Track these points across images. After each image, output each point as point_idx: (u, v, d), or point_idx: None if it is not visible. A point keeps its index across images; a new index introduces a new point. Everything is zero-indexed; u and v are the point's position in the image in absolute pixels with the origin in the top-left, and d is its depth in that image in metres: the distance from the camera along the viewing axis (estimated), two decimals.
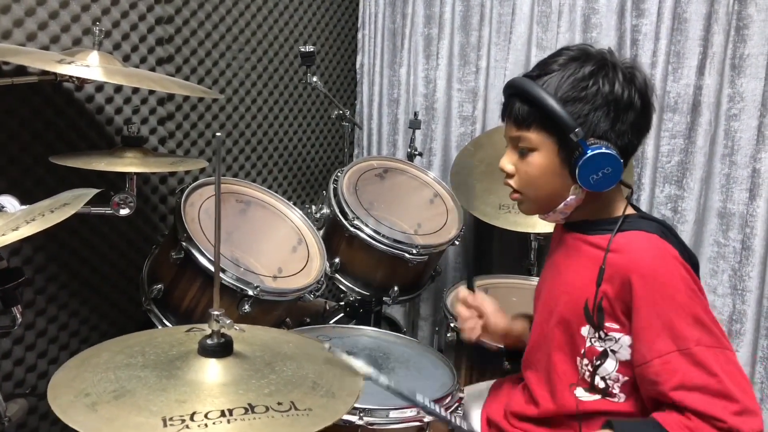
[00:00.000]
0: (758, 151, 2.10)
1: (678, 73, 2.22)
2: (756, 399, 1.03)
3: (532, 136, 1.16)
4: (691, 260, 1.14)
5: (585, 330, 1.16)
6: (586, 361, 1.17)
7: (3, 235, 1.01)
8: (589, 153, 1.10)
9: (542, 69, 1.16)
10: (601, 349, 1.15)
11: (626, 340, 1.12)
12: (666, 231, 1.14)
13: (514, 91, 1.18)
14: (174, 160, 1.70)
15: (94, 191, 1.22)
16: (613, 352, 1.14)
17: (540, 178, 1.18)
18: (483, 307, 1.42)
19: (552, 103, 1.11)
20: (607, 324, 1.13)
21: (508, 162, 1.22)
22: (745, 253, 2.12)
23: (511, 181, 1.23)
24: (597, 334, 1.15)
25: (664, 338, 1.05)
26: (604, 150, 1.10)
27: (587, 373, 1.17)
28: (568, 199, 1.17)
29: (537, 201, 1.22)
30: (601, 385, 1.16)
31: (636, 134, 1.16)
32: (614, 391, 1.15)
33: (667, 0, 2.17)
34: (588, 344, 1.16)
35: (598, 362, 1.15)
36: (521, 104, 1.16)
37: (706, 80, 2.18)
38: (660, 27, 2.20)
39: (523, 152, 1.19)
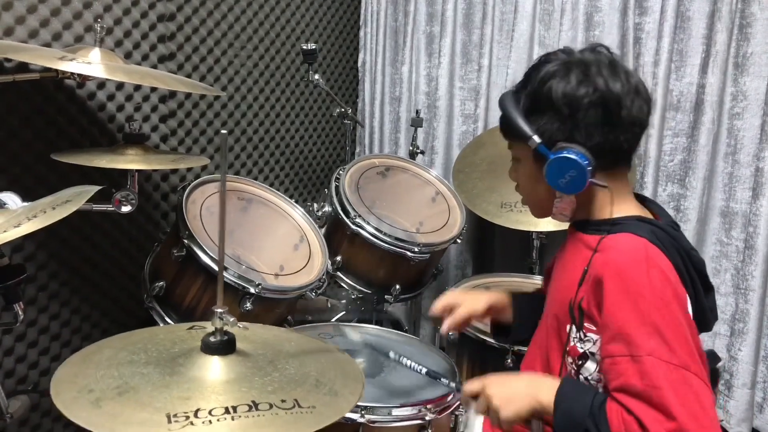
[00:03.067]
0: (761, 149, 2.09)
1: (681, 72, 2.21)
2: (709, 430, 0.97)
3: (517, 148, 1.23)
4: (695, 266, 1.12)
5: (569, 328, 1.17)
6: (570, 359, 1.17)
7: (5, 231, 1.01)
8: (551, 158, 1.12)
9: (525, 78, 1.20)
10: (581, 350, 1.15)
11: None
12: (663, 235, 1.11)
13: (499, 106, 1.23)
14: (176, 158, 1.70)
15: (95, 188, 1.22)
16: (592, 354, 1.13)
17: (527, 187, 1.25)
18: (451, 300, 1.44)
19: (514, 114, 1.16)
20: (585, 324, 1.12)
21: (511, 172, 1.29)
22: (748, 252, 2.11)
23: (518, 192, 1.30)
24: (578, 335, 1.15)
25: (618, 340, 1.03)
26: (564, 154, 1.11)
27: (573, 371, 1.17)
28: (557, 204, 1.20)
29: (534, 207, 1.28)
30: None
31: (608, 132, 1.12)
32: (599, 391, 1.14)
33: None
34: (572, 343, 1.16)
35: (581, 362, 1.15)
36: (502, 118, 1.22)
37: (709, 79, 2.17)
38: (663, 25, 2.19)
39: (514, 163, 1.26)
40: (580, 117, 1.11)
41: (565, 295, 1.18)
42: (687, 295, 1.09)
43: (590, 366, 1.14)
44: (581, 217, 1.22)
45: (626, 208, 1.17)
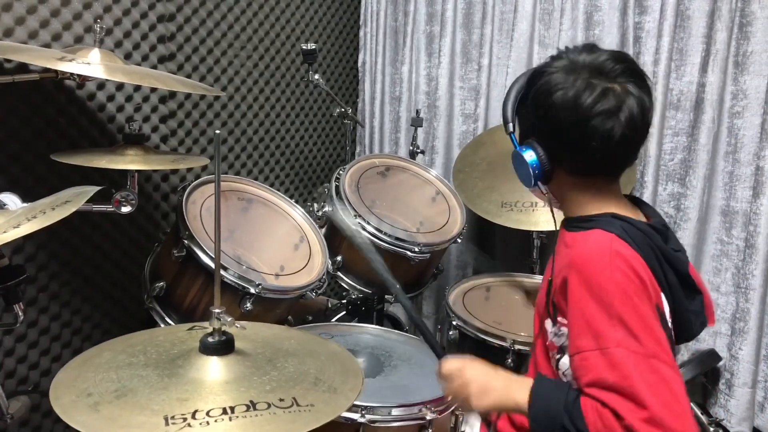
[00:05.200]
0: (762, 148, 2.09)
1: (681, 71, 2.21)
2: (679, 418, 0.97)
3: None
4: (673, 267, 1.12)
5: (547, 323, 1.18)
6: (551, 353, 1.18)
7: (4, 232, 1.01)
8: (515, 149, 1.19)
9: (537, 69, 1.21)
10: (558, 344, 1.16)
11: None
12: (636, 232, 1.09)
13: None
14: (176, 158, 1.70)
15: (95, 189, 1.22)
16: (567, 347, 1.14)
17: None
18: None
19: (507, 98, 1.21)
20: (558, 318, 1.14)
21: None
22: (749, 251, 2.11)
23: None
24: (554, 329, 1.16)
25: (586, 335, 1.04)
26: (522, 151, 1.16)
27: (554, 366, 1.18)
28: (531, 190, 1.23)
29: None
30: (564, 379, 1.16)
31: (578, 144, 1.11)
32: (574, 386, 1.14)
33: None
34: (549, 338, 1.18)
35: (558, 356, 1.16)
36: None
37: (709, 77, 2.17)
38: (663, 24, 2.19)
39: None
40: (543, 123, 1.14)
41: (543, 291, 1.21)
42: (662, 292, 1.09)
43: (566, 360, 1.14)
44: (567, 214, 1.23)
45: (604, 207, 1.16)
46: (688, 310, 1.15)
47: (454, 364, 1.17)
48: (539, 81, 1.14)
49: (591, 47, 1.16)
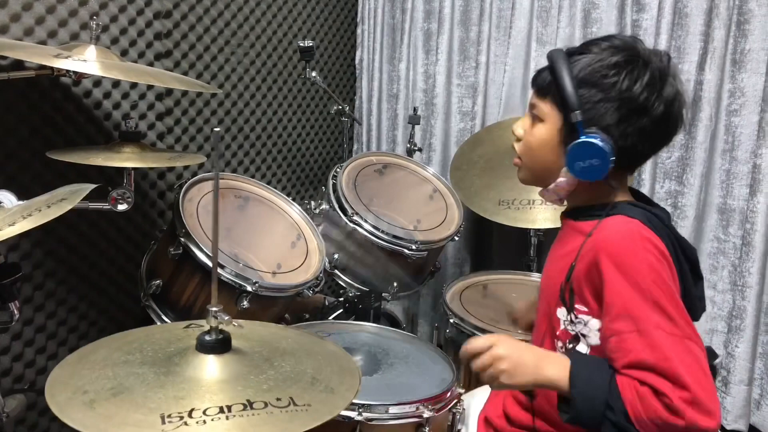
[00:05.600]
0: (759, 146, 2.09)
1: (678, 68, 2.21)
2: (713, 398, 0.99)
3: (545, 107, 1.18)
4: (685, 253, 1.14)
5: (560, 312, 1.17)
6: (560, 344, 1.18)
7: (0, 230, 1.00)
8: (582, 139, 1.11)
9: (584, 48, 1.17)
10: (573, 333, 1.15)
11: (595, 323, 1.12)
12: (655, 219, 1.12)
13: (548, 59, 1.18)
14: (172, 156, 1.70)
15: (91, 186, 1.21)
16: (584, 336, 1.14)
17: (538, 150, 1.20)
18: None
19: (566, 79, 1.12)
20: (576, 306, 1.13)
21: (520, 126, 1.25)
22: (746, 249, 2.11)
23: (517, 145, 1.26)
24: (569, 317, 1.15)
25: (623, 317, 1.05)
26: (597, 141, 1.10)
27: None
28: (559, 180, 1.19)
29: (532, 171, 1.25)
30: None
31: (644, 141, 1.14)
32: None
33: None
34: (561, 327, 1.17)
35: (571, 346, 1.16)
36: (547, 73, 1.18)
37: (707, 75, 2.17)
38: (660, 22, 2.19)
39: (534, 120, 1.21)
40: (630, 117, 1.11)
41: (556, 281, 1.18)
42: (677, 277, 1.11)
43: (581, 348, 1.14)
44: (574, 204, 1.23)
45: (619, 197, 1.19)
46: (694, 295, 1.17)
47: (482, 340, 1.13)
48: (621, 76, 1.11)
49: (635, 43, 1.16)
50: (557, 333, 1.18)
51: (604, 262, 1.07)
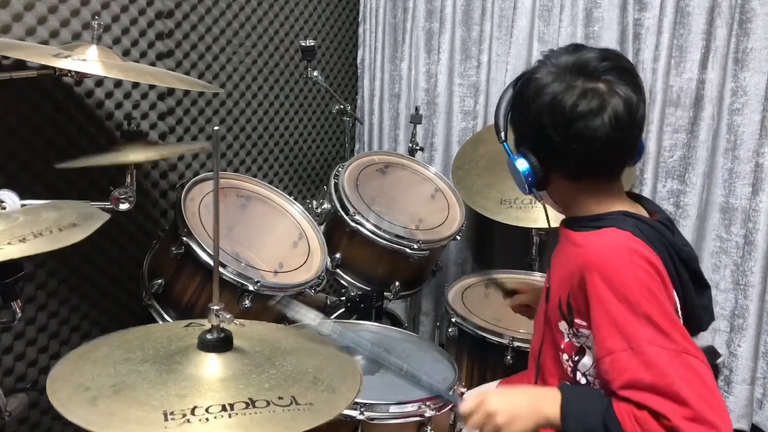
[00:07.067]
0: (761, 145, 2.09)
1: (681, 68, 2.21)
2: (717, 410, 0.96)
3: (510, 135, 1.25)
4: (685, 263, 1.11)
5: (562, 325, 1.16)
6: (566, 356, 1.17)
7: (8, 243, 0.99)
8: (509, 158, 1.18)
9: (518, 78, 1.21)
10: (578, 345, 1.14)
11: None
12: (648, 230, 1.09)
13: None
14: (173, 146, 1.68)
15: (105, 218, 1.19)
16: (589, 348, 1.12)
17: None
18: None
19: (499, 106, 1.21)
20: (576, 320, 1.12)
21: None
22: (748, 248, 2.11)
23: None
24: (571, 331, 1.14)
25: (615, 336, 1.02)
26: (515, 159, 1.16)
27: (569, 369, 1.16)
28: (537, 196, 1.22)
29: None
30: (583, 380, 1.15)
31: (590, 144, 1.08)
32: (595, 387, 1.13)
33: None
34: (566, 340, 1.16)
35: (577, 358, 1.15)
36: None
37: (709, 74, 2.16)
38: (663, 21, 2.19)
39: None
40: (536, 126, 1.12)
41: (555, 293, 1.18)
42: (674, 289, 1.08)
43: (586, 361, 1.13)
44: (571, 214, 1.21)
45: (612, 206, 1.15)
46: (697, 304, 1.14)
47: (472, 401, 1.12)
48: (525, 87, 1.14)
49: (575, 47, 1.14)
50: (561, 346, 1.17)
51: (592, 278, 1.05)
